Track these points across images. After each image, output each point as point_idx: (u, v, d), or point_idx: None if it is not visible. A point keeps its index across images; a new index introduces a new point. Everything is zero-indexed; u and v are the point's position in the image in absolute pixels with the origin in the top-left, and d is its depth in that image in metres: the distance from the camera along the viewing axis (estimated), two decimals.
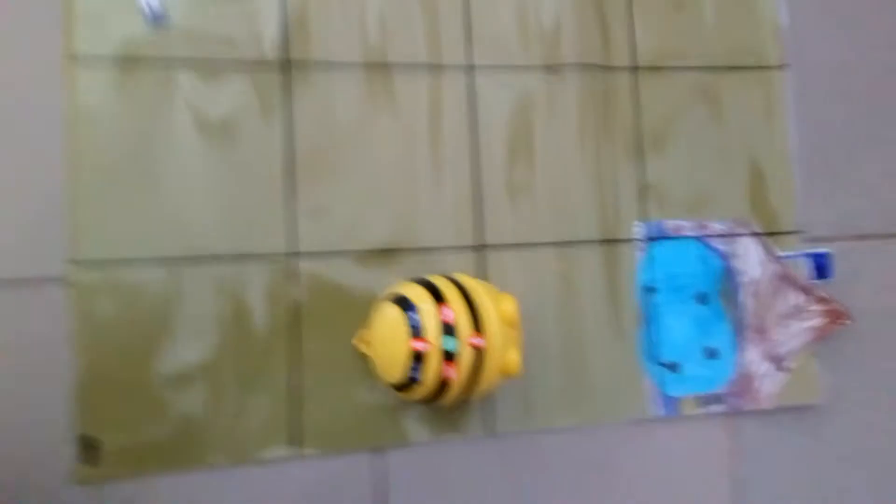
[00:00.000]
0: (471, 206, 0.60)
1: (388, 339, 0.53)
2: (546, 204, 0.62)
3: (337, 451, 0.56)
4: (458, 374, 0.51)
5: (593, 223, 0.62)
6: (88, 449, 0.52)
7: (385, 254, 0.58)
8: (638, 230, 0.63)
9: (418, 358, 0.51)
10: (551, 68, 0.63)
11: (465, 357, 0.51)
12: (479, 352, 0.52)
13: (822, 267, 0.66)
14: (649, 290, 0.63)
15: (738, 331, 0.64)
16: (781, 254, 0.66)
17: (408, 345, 0.51)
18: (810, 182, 0.67)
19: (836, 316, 0.65)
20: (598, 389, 0.61)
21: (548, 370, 0.60)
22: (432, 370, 0.51)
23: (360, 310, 0.57)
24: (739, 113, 0.66)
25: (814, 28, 0.69)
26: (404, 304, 0.53)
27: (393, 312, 0.53)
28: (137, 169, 0.55)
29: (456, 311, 0.52)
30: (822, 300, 0.65)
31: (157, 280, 0.54)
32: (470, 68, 0.62)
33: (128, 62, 0.55)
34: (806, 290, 0.65)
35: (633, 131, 0.64)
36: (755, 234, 0.65)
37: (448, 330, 0.51)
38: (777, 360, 0.64)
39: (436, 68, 0.61)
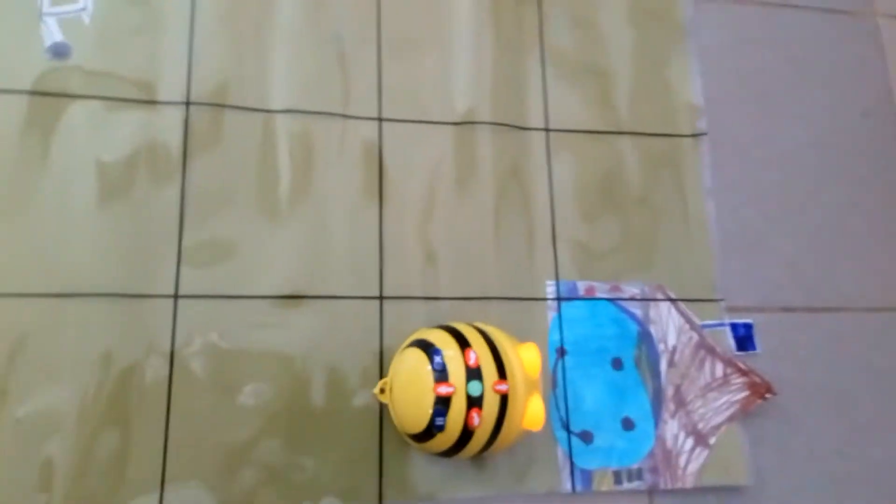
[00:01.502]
0: (376, 258, 0.59)
1: (410, 385, 0.51)
2: (455, 258, 0.60)
3: None
4: (482, 422, 0.49)
5: (503, 280, 0.61)
6: None
7: (287, 301, 0.56)
8: (550, 289, 0.62)
9: (442, 403, 0.48)
10: (465, 126, 0.63)
11: (490, 403, 0.49)
12: (503, 399, 0.49)
13: (744, 338, 0.64)
14: (561, 352, 0.60)
15: (657, 401, 0.61)
16: (701, 322, 0.64)
17: (431, 390, 0.49)
18: (730, 251, 0.67)
19: (759, 389, 0.62)
20: (505, 458, 0.57)
21: None
22: (457, 416, 0.48)
23: (248, 358, 0.54)
24: (653, 179, 0.66)
25: (729, 102, 0.71)
26: (428, 348, 0.51)
27: (416, 356, 0.51)
28: (24, 202, 0.53)
29: (480, 355, 0.50)
30: (744, 372, 0.62)
31: (23, 316, 0.52)
32: (379, 121, 0.62)
33: (30, 95, 0.55)
34: (727, 362, 0.63)
35: (546, 190, 0.64)
36: (671, 300, 0.64)
37: (473, 374, 0.49)
38: (698, 435, 0.61)
39: (345, 119, 0.61)
